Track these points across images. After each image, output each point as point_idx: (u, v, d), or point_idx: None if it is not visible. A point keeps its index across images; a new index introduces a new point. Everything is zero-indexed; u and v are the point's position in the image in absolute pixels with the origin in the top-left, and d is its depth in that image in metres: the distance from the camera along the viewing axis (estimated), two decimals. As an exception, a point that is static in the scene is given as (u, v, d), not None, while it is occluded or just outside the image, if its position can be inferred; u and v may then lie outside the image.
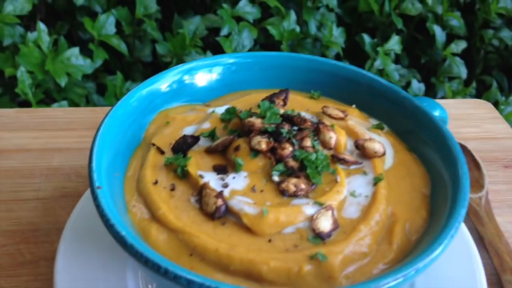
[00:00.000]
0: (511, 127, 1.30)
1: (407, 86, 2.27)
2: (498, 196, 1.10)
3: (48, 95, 2.15)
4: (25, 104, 2.07)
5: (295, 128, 0.77)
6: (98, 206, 0.63)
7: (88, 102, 2.23)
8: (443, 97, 2.19)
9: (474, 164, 1.14)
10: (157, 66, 2.37)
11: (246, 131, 0.75)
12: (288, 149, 0.72)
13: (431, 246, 0.62)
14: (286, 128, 0.74)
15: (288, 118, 0.76)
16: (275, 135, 0.73)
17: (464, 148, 1.17)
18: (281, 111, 0.79)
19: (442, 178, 0.75)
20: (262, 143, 0.72)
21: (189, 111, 0.88)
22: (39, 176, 1.06)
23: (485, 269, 0.92)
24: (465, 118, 1.32)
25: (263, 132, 0.74)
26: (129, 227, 0.66)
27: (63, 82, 1.99)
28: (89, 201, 0.91)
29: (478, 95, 2.38)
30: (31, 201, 1.01)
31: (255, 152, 0.72)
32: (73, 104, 2.14)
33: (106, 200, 0.64)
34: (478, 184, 1.09)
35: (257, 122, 0.74)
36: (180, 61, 2.13)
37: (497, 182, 1.13)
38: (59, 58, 2.04)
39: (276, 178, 0.72)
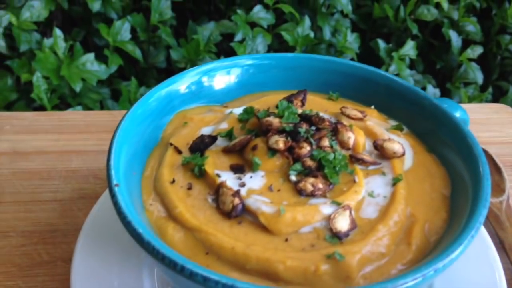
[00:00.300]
0: (532, 132, 1.28)
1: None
2: (519, 200, 1.07)
3: (63, 101, 2.17)
4: (40, 109, 2.09)
5: (313, 128, 0.77)
6: (115, 203, 0.63)
7: (103, 107, 2.25)
8: (460, 102, 2.16)
9: (495, 169, 1.12)
10: (171, 72, 2.39)
11: (263, 131, 0.75)
12: (306, 148, 0.72)
13: (451, 246, 0.61)
14: (304, 127, 0.74)
15: (306, 118, 0.76)
16: (293, 135, 0.73)
17: (485, 152, 1.15)
18: (299, 110, 0.79)
19: (463, 179, 0.74)
20: (279, 142, 0.72)
21: (207, 112, 0.88)
22: (58, 178, 1.07)
23: (505, 273, 0.90)
24: (485, 123, 1.30)
25: (280, 131, 0.73)
26: (146, 225, 0.66)
27: (78, 87, 2.01)
28: (106, 203, 0.92)
29: (495, 101, 2.35)
30: (49, 202, 1.02)
31: (273, 151, 0.72)
32: (87, 109, 2.16)
33: (123, 197, 0.64)
34: (499, 188, 1.08)
35: (275, 121, 0.74)
36: (194, 66, 2.15)
37: (518, 187, 1.11)
38: (75, 63, 2.06)
39: (293, 178, 0.71)
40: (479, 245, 0.88)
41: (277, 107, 0.83)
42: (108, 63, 2.15)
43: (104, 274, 0.82)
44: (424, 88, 2.22)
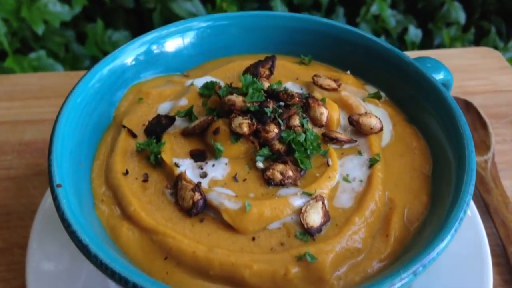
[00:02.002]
0: (519, 77, 1.21)
1: (403, 32, 2.15)
2: (505, 156, 1.03)
3: (25, 44, 2.04)
4: (1, 54, 1.97)
5: (282, 104, 0.68)
6: (58, 207, 0.56)
7: (68, 51, 2.13)
8: (441, 45, 2.07)
9: (480, 123, 1.06)
10: (140, 14, 2.24)
11: (226, 111, 0.66)
12: (274, 131, 0.64)
13: (435, 239, 0.55)
14: (271, 106, 0.65)
15: (273, 95, 0.67)
16: (258, 115, 0.65)
17: (469, 106, 1.08)
18: (266, 84, 0.70)
19: (445, 154, 0.67)
20: (243, 125, 0.64)
21: (165, 84, 0.79)
22: (11, 153, 0.99)
23: (489, 239, 0.86)
24: (471, 70, 1.22)
25: (245, 111, 0.65)
26: (97, 227, 0.60)
27: (40, 30, 1.88)
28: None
29: (477, 41, 2.26)
30: (2, 181, 0.94)
31: (237, 135, 0.64)
32: (51, 53, 2.03)
33: (67, 200, 0.57)
34: (484, 145, 1.02)
35: (238, 100, 0.66)
36: (165, 8, 2.01)
37: (504, 141, 1.06)
38: (36, 4, 1.93)
39: (260, 165, 0.64)
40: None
41: (243, 75, 0.75)
42: (72, 3, 2.01)
43: (63, 261, 0.76)
44: (405, 29, 2.12)
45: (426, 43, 2.09)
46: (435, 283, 0.74)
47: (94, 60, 1.94)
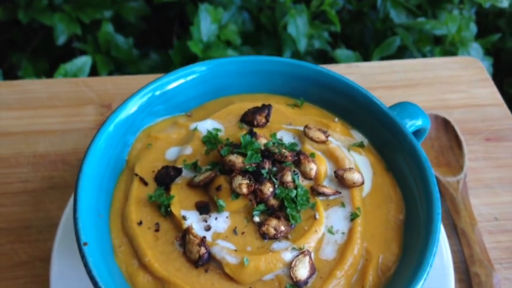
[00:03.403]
0: (498, 91, 1.30)
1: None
2: (476, 174, 1.13)
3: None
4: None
5: (278, 155, 0.78)
6: (85, 265, 0.66)
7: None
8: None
9: (456, 142, 1.16)
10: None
11: (227, 170, 0.76)
12: (269, 190, 0.74)
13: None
14: (266, 167, 0.75)
15: (268, 156, 0.77)
16: (255, 175, 0.74)
17: (448, 124, 1.18)
18: (262, 142, 0.79)
19: (416, 206, 0.78)
20: (243, 186, 0.73)
21: (171, 126, 0.87)
22: (26, 165, 1.07)
23: (455, 256, 0.98)
24: (452, 82, 1.30)
25: (244, 171, 0.74)
26: (117, 275, 0.70)
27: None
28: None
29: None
30: (20, 194, 1.03)
31: (236, 194, 0.74)
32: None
33: (94, 257, 0.67)
34: (457, 165, 1.12)
35: (237, 161, 0.75)
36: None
37: (477, 158, 1.16)
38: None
39: (257, 219, 0.75)
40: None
41: (241, 120, 0.84)
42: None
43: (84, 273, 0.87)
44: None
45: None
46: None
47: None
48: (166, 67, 1.99)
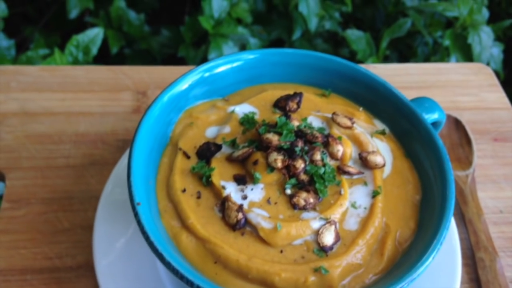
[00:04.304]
0: (506, 96, 1.38)
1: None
2: (484, 170, 1.21)
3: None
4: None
5: (310, 136, 0.86)
6: (139, 222, 0.75)
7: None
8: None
9: (466, 140, 1.24)
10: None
11: (264, 146, 0.84)
12: (300, 166, 0.82)
13: (419, 262, 0.75)
14: (299, 145, 0.84)
15: (301, 135, 0.85)
16: (289, 152, 0.83)
17: (458, 123, 1.26)
18: (296, 124, 0.88)
19: (432, 190, 0.86)
20: (278, 161, 0.82)
21: (210, 108, 0.96)
22: (68, 143, 1.16)
23: (462, 243, 1.07)
24: (463, 86, 1.39)
25: (279, 148, 0.83)
26: (163, 234, 0.79)
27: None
28: (118, 174, 1.02)
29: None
30: (63, 168, 1.12)
31: (272, 168, 0.82)
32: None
33: (145, 216, 0.76)
34: (467, 161, 1.21)
35: (274, 139, 0.84)
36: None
37: (485, 156, 1.24)
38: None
39: (288, 191, 0.83)
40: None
41: (274, 106, 0.93)
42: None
43: (124, 241, 0.95)
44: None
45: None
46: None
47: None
48: (176, 44, 2.04)
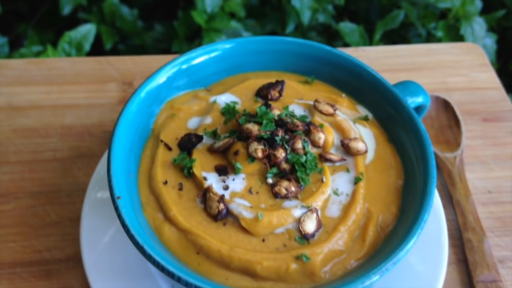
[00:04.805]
0: (496, 75, 1.37)
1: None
2: (473, 151, 1.21)
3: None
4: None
5: (290, 124, 0.86)
6: (119, 216, 0.75)
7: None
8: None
9: (455, 121, 1.24)
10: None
11: (244, 136, 0.84)
12: (281, 155, 0.82)
13: (401, 244, 0.75)
14: (280, 134, 0.83)
15: (282, 125, 0.85)
16: (269, 142, 0.83)
17: (447, 105, 1.26)
18: (276, 113, 0.87)
19: (414, 174, 0.86)
20: (258, 151, 0.82)
21: (192, 99, 0.95)
22: (55, 136, 1.16)
23: (450, 224, 1.07)
24: (454, 66, 1.38)
25: (259, 138, 0.83)
26: (145, 227, 0.79)
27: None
28: (105, 166, 1.02)
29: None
30: (50, 162, 1.12)
31: (252, 158, 0.82)
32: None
33: (126, 209, 0.76)
34: (455, 142, 1.20)
35: (254, 129, 0.83)
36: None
37: (474, 137, 1.24)
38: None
39: (270, 181, 0.83)
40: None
41: (256, 95, 0.92)
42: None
43: (111, 231, 0.96)
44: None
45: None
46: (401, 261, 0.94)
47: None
48: (170, 39, 2.03)
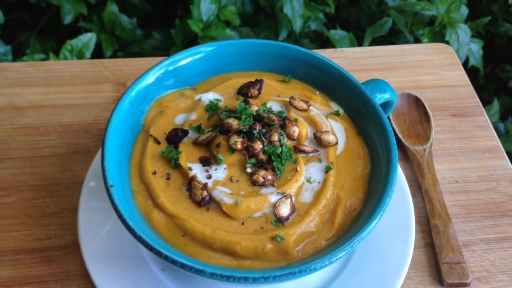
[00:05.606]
0: (465, 73, 1.47)
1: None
2: (442, 144, 1.30)
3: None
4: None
5: (267, 119, 0.95)
6: (112, 202, 0.84)
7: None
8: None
9: (425, 117, 1.33)
10: None
11: (225, 130, 0.93)
12: (259, 146, 0.91)
13: (365, 225, 0.84)
14: (257, 128, 0.93)
15: (259, 119, 0.94)
16: (248, 135, 0.92)
17: (419, 101, 1.35)
18: (254, 108, 0.97)
19: (380, 163, 0.95)
20: (238, 143, 0.91)
21: (179, 97, 1.05)
22: (54, 133, 1.25)
23: (419, 212, 1.16)
24: (425, 65, 1.48)
25: (239, 132, 0.92)
26: (136, 212, 0.88)
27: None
28: (100, 161, 1.11)
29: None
30: (49, 157, 1.21)
31: (233, 150, 0.91)
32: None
33: (118, 196, 0.85)
34: (425, 136, 1.30)
35: (234, 124, 0.92)
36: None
37: (443, 131, 1.33)
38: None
39: (249, 170, 0.92)
40: (397, 190, 1.10)
41: (237, 93, 1.01)
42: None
43: (107, 221, 1.04)
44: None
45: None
46: (372, 244, 1.03)
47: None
48: (168, 47, 2.12)
